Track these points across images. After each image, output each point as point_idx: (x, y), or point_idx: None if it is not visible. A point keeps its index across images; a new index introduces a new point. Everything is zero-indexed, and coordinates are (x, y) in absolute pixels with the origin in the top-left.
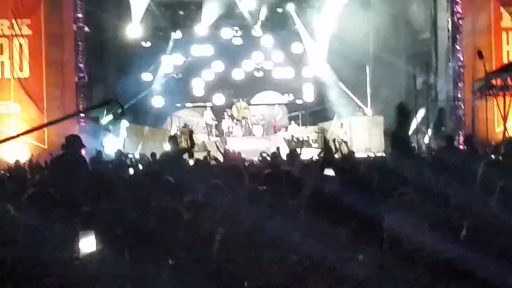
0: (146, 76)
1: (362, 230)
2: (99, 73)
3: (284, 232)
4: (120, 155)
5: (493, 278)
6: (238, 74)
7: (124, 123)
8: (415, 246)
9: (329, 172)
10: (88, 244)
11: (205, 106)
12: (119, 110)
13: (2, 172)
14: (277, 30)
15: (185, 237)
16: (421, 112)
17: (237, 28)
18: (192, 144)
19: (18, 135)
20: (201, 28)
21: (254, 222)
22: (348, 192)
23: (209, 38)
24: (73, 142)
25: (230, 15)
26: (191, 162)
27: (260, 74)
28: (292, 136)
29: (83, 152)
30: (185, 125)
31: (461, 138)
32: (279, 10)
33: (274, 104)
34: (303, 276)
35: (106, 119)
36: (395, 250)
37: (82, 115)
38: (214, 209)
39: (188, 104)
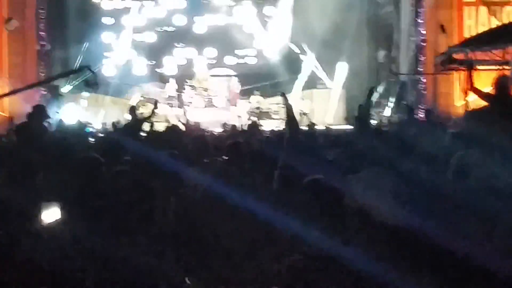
0: (108, 44)
1: (323, 203)
2: (60, 41)
3: (242, 201)
4: (81, 124)
5: (454, 248)
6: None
7: (85, 93)
8: (378, 219)
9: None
10: (51, 214)
11: (169, 77)
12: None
13: None
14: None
15: (142, 204)
16: (383, 86)
17: None
18: (153, 114)
19: None
20: None
21: (210, 190)
22: (307, 164)
23: None
24: (39, 112)
25: None
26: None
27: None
28: (254, 107)
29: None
30: (143, 97)
31: (422, 112)
32: None
33: (234, 76)
34: (258, 243)
35: (66, 88)
36: (357, 224)
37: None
38: (170, 178)
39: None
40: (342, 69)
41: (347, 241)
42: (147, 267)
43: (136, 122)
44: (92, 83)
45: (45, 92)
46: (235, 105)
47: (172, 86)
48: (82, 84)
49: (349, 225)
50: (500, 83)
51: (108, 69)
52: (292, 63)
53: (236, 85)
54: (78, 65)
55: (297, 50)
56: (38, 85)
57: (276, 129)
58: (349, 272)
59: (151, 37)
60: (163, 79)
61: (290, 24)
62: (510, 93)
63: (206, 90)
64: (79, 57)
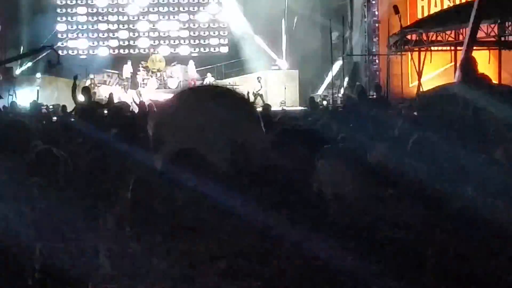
0: (61, 26)
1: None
2: (13, 23)
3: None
4: (35, 105)
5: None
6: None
7: (38, 74)
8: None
9: None
10: None
11: (125, 60)
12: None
13: None
14: None
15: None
16: (336, 66)
17: None
18: (110, 101)
19: None
20: None
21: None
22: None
23: None
24: None
25: None
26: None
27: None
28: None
29: None
30: (95, 78)
31: (374, 88)
32: None
33: (188, 58)
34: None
35: (19, 70)
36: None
37: None
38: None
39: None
40: (295, 50)
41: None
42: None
43: (90, 103)
44: (54, 62)
45: None
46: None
47: (127, 68)
48: (43, 64)
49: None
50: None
51: (62, 50)
52: (245, 44)
53: (192, 67)
54: (41, 45)
55: (250, 31)
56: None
57: None
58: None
59: (105, 18)
60: (117, 62)
61: (243, 7)
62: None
63: (159, 71)
64: (32, 38)
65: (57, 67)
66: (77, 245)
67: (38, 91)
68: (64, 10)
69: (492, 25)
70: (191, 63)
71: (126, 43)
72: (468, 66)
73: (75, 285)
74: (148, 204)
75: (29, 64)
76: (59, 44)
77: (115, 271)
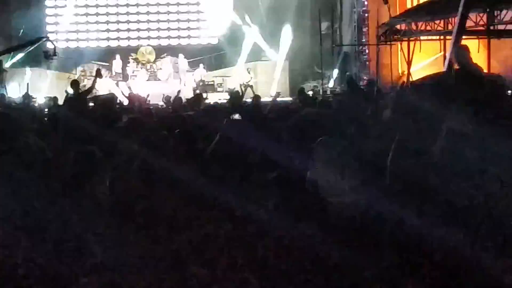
0: (50, 18)
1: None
2: (2, 16)
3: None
4: (26, 98)
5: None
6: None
7: (28, 67)
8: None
9: (236, 117)
10: None
11: (115, 53)
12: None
13: None
14: None
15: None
16: (326, 57)
17: None
18: (94, 83)
19: None
20: None
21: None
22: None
23: None
24: None
25: None
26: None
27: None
28: (199, 80)
29: None
30: (85, 70)
31: (365, 83)
32: None
33: (178, 49)
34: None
35: (9, 63)
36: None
37: None
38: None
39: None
40: (286, 38)
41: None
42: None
43: (79, 95)
44: (50, 54)
45: None
46: (180, 78)
47: (118, 62)
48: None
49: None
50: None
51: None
52: (235, 35)
53: (182, 59)
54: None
55: (239, 22)
56: None
57: (219, 101)
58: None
59: (95, 12)
60: (106, 54)
61: None
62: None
63: (149, 63)
64: (22, 31)
65: (53, 58)
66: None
67: (28, 84)
68: (53, 3)
69: (481, 14)
70: (181, 56)
71: (116, 35)
72: (462, 55)
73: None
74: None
75: (20, 56)
76: (49, 36)
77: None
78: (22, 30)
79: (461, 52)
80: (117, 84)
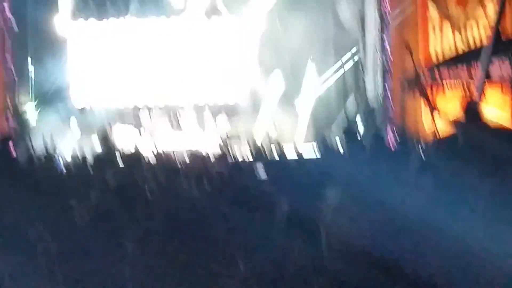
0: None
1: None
2: (27, 70)
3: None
4: (50, 155)
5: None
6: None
7: (53, 122)
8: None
9: (261, 169)
10: None
11: (143, 108)
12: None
13: None
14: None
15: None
16: (349, 106)
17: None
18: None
19: None
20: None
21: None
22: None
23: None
24: (6, 142)
25: (157, 3)
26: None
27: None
28: (223, 132)
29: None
30: (114, 125)
31: (390, 131)
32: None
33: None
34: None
35: (35, 118)
36: (333, 246)
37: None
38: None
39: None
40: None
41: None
42: None
43: (108, 151)
44: (83, 106)
45: (12, 123)
46: (204, 129)
47: (145, 117)
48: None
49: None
50: (469, 109)
51: (78, 98)
52: (260, 86)
53: (207, 111)
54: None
55: (263, 69)
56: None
57: (244, 154)
58: None
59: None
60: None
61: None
62: (481, 119)
63: (175, 116)
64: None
65: (86, 113)
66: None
67: (54, 139)
68: (77, 54)
69: (504, 61)
70: (207, 111)
71: (141, 93)
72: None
73: None
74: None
75: (45, 111)
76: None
77: None
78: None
79: (471, 107)
80: (143, 139)
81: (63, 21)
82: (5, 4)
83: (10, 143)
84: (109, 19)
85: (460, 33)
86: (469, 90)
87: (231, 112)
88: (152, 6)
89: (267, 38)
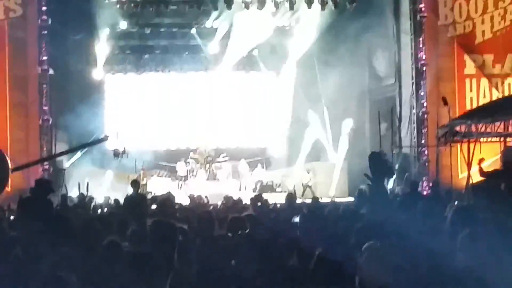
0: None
1: (333, 277)
2: (63, 116)
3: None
4: (83, 198)
5: None
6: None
7: (87, 166)
8: None
9: (296, 219)
10: None
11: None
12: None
13: None
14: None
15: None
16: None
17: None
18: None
19: None
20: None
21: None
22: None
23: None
24: (42, 186)
25: (195, 59)
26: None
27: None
28: (257, 180)
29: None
30: (145, 169)
31: (425, 184)
32: (245, 54)
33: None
34: None
35: (69, 162)
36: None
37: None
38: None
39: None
40: (345, 137)
41: None
42: None
43: (139, 196)
44: (120, 152)
45: (47, 167)
46: (238, 178)
47: (181, 165)
48: (93, 156)
49: None
50: (507, 157)
51: (113, 143)
52: (294, 135)
53: (244, 165)
54: (98, 136)
55: (298, 125)
56: (51, 158)
57: (278, 202)
58: None
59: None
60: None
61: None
62: None
63: (208, 163)
64: (81, 130)
65: (122, 157)
66: None
67: (87, 183)
68: (114, 103)
69: None
70: (243, 160)
71: (175, 136)
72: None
73: None
74: None
75: (79, 155)
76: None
77: None
78: (80, 131)
79: (509, 153)
80: (177, 185)
81: (100, 72)
82: (44, 57)
83: (46, 186)
84: (147, 72)
85: (497, 89)
86: (505, 144)
87: (267, 161)
88: (190, 60)
89: (303, 90)
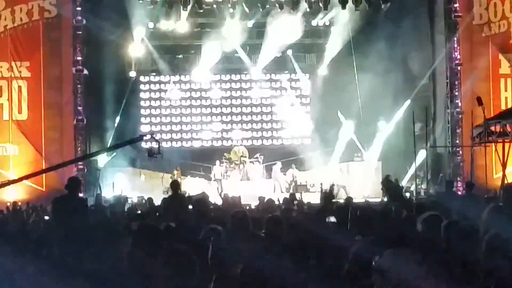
0: (145, 119)
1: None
2: (97, 116)
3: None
4: (119, 199)
5: None
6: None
7: (121, 166)
8: None
9: (332, 219)
10: None
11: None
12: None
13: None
14: (276, 74)
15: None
16: (420, 158)
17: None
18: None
19: (22, 178)
20: (200, 72)
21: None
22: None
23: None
24: (73, 184)
25: (229, 60)
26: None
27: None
28: (291, 180)
29: (80, 194)
30: (178, 170)
31: (460, 184)
32: (278, 54)
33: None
34: None
35: (103, 162)
36: None
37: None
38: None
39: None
40: (380, 136)
41: None
42: None
43: (177, 197)
44: (155, 151)
45: (81, 166)
46: (272, 179)
47: (217, 168)
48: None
49: None
50: None
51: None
52: (327, 134)
53: (277, 168)
54: (133, 136)
55: (332, 125)
56: (87, 157)
57: (312, 202)
58: None
59: (186, 111)
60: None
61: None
62: None
63: (242, 163)
64: (115, 131)
65: (157, 156)
66: None
67: (113, 183)
68: (148, 103)
69: None
70: (278, 164)
71: (209, 135)
72: None
73: None
74: None
75: (114, 155)
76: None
77: None
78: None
79: None
80: (212, 185)
81: (135, 72)
82: (79, 57)
83: (80, 186)
84: (181, 72)
85: None
86: None
87: (300, 161)
88: (225, 60)
89: (338, 91)
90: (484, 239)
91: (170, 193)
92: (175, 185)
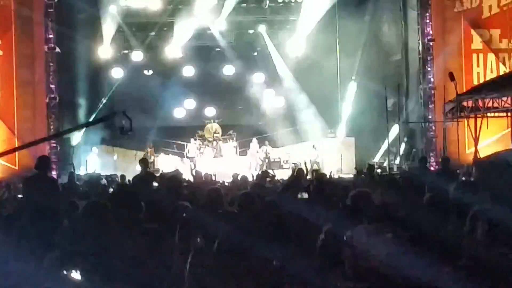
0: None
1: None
2: (70, 94)
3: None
4: (92, 177)
5: None
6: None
7: (94, 144)
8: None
9: (304, 195)
10: None
11: (189, 133)
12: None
13: None
14: (248, 51)
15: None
16: (392, 134)
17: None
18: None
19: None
20: (172, 49)
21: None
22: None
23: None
24: (43, 164)
25: (201, 37)
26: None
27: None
28: (264, 157)
29: (54, 173)
30: (151, 147)
31: (432, 159)
32: (251, 31)
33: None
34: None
35: (75, 140)
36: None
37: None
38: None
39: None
40: (351, 117)
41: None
42: None
43: (147, 174)
44: (127, 129)
45: (54, 145)
46: (245, 155)
47: (192, 146)
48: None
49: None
50: None
51: (121, 121)
52: (300, 114)
53: (255, 144)
54: (105, 113)
55: (304, 101)
56: (60, 135)
57: (286, 178)
58: None
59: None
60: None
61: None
62: None
63: (215, 140)
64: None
65: (129, 134)
66: None
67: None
68: (121, 81)
69: None
70: (255, 140)
71: (182, 112)
72: None
73: None
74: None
75: (86, 133)
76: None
77: None
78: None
79: None
80: (184, 162)
81: (107, 50)
82: (51, 35)
83: (50, 164)
84: (153, 49)
85: (504, 64)
86: None
87: (273, 138)
88: (197, 35)
89: (311, 67)
90: (468, 216)
91: (140, 169)
92: (144, 163)
